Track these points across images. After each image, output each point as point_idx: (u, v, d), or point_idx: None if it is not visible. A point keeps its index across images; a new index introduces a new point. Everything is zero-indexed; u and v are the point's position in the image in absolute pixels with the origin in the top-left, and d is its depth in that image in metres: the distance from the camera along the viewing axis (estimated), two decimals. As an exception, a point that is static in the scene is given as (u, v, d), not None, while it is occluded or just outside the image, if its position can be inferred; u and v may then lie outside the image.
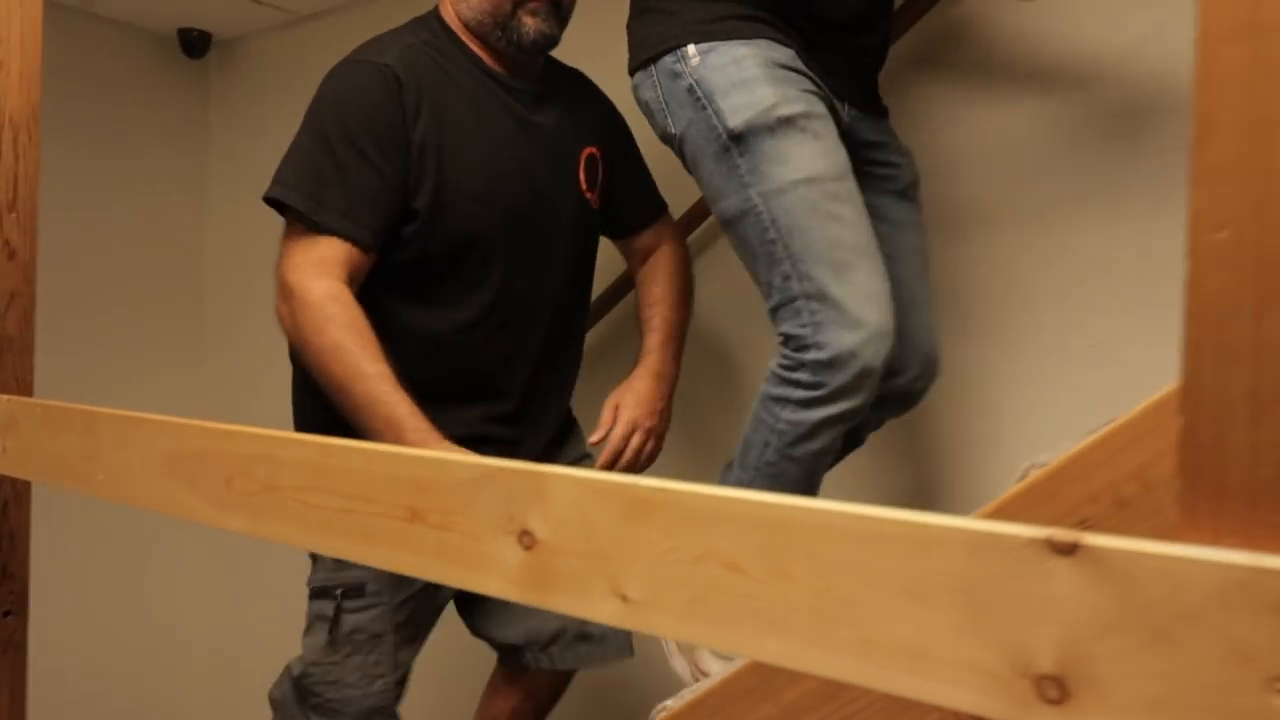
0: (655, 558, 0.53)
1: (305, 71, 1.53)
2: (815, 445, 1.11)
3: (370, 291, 1.24)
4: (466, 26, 1.33)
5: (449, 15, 1.35)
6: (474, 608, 1.46)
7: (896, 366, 1.20)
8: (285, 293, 1.20)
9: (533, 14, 1.29)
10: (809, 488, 1.16)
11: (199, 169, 2.77)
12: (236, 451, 0.77)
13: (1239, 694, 0.37)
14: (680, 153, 1.22)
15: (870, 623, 0.46)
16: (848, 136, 1.21)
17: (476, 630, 1.48)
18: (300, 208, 1.21)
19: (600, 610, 0.57)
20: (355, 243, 1.21)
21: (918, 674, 0.45)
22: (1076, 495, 0.52)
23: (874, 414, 1.23)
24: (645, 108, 1.25)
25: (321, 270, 1.18)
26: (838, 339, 1.07)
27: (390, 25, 1.37)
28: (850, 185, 1.14)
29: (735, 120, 1.12)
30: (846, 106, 1.25)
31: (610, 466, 1.30)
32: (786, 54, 1.16)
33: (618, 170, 1.44)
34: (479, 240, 1.28)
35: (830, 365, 1.07)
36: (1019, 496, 0.55)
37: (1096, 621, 0.40)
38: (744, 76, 1.12)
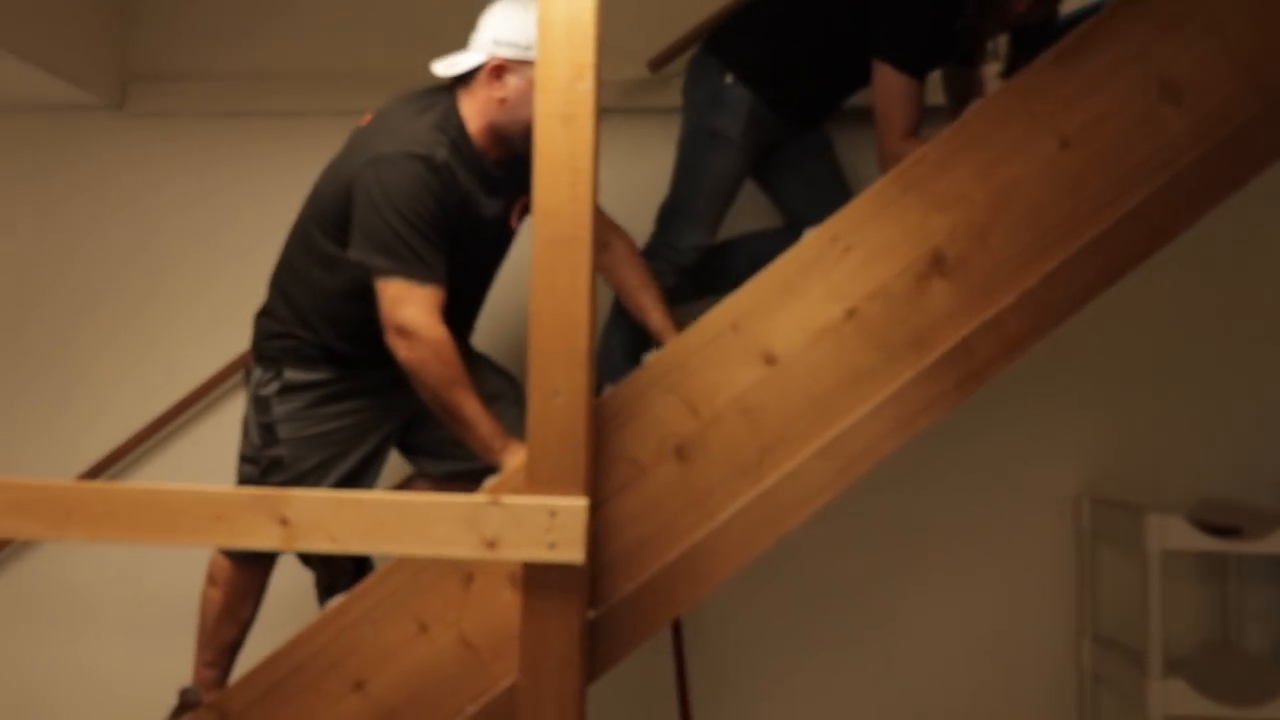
0: (346, 522, 1.38)
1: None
2: None
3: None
4: (493, 129, 1.76)
5: (471, 121, 1.76)
6: (414, 455, 2.01)
7: None
8: (409, 333, 1.64)
9: None
10: None
11: None
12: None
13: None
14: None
15: (418, 533, 1.37)
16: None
17: (418, 467, 2.04)
18: (410, 273, 1.66)
19: (317, 545, 1.39)
20: (440, 286, 1.69)
21: (429, 544, 1.37)
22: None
23: None
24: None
25: (434, 316, 1.65)
26: None
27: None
28: None
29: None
30: None
31: None
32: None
33: None
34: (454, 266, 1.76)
35: None
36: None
37: (489, 528, 1.35)
38: None
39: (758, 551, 1.46)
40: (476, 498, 1.39)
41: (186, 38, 2.70)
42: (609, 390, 1.49)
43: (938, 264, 1.46)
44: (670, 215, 2.04)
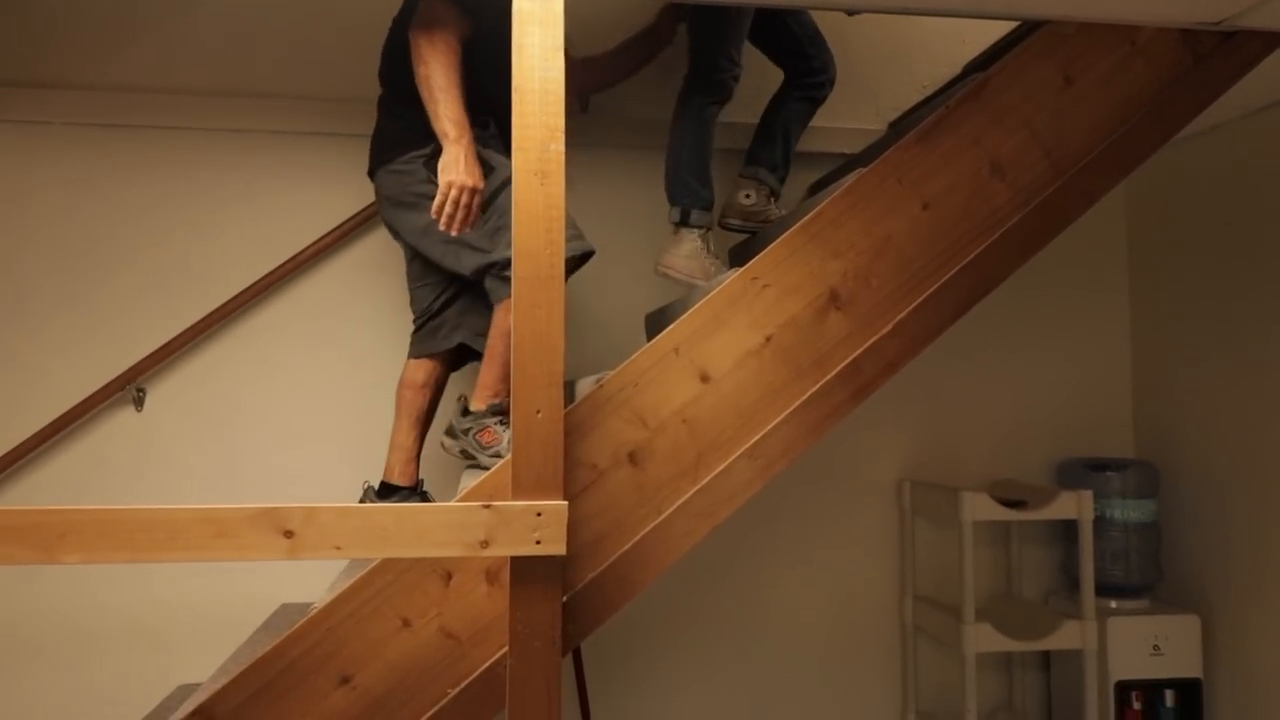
0: (350, 531, 1.53)
1: None
2: None
3: None
4: None
5: None
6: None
7: None
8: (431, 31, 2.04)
9: None
10: None
11: None
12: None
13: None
14: None
15: (418, 537, 1.55)
16: None
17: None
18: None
19: (323, 554, 1.53)
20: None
21: (428, 548, 1.55)
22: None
23: None
24: None
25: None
26: None
27: None
28: None
29: None
30: None
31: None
32: None
33: None
34: None
35: None
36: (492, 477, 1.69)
37: (482, 530, 1.56)
38: None
39: (698, 539, 1.75)
40: (470, 504, 1.59)
41: (55, 47, 2.60)
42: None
43: (834, 299, 1.82)
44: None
